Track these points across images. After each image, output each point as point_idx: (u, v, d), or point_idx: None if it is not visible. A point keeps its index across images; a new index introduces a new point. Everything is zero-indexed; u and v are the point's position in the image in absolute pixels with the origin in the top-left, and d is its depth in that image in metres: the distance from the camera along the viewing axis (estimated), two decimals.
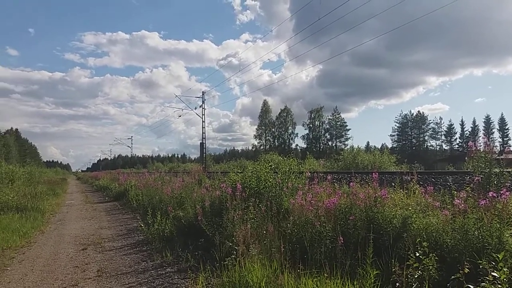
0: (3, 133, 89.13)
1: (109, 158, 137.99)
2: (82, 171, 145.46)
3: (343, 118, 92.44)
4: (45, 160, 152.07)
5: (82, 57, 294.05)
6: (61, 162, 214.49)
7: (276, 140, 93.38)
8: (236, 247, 5.29)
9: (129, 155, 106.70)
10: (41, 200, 16.06)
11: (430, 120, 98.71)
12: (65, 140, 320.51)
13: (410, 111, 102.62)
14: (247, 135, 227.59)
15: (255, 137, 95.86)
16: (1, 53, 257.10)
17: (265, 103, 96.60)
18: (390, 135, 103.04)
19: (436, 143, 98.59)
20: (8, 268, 6.69)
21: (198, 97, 45.34)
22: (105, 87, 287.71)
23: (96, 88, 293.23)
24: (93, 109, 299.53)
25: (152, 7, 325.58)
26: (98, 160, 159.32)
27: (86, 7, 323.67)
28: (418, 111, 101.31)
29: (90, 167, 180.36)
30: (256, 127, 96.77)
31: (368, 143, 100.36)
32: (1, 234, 9.02)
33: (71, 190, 31.04)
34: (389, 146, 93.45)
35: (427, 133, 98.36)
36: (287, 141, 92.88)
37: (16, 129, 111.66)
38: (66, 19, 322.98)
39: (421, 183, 8.59)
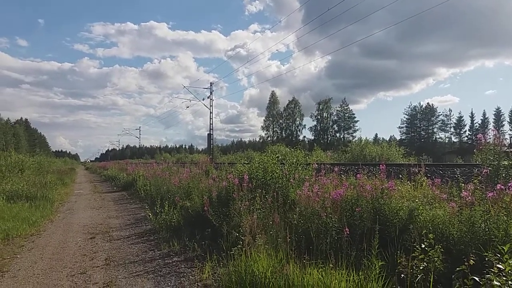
0: (13, 123, 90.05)
1: (118, 149, 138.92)
2: (90, 161, 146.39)
3: (351, 110, 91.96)
4: (54, 150, 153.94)
5: (91, 48, 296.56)
6: (69, 152, 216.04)
7: (283, 132, 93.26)
8: (242, 237, 5.32)
9: (137, 146, 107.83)
10: (50, 189, 16.24)
11: (439, 112, 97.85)
12: (74, 130, 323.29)
13: (419, 103, 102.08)
14: (254, 126, 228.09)
15: (263, 128, 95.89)
16: (11, 44, 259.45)
17: (273, 94, 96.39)
18: (399, 127, 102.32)
19: (445, 136, 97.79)
20: (18, 256, 6.80)
21: (206, 88, 45.54)
22: (114, 77, 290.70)
23: (105, 79, 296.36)
24: (101, 99, 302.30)
25: None
26: (106, 151, 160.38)
27: None
28: (428, 103, 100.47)
29: (99, 157, 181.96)
30: (263, 118, 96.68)
31: (376, 135, 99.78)
32: (11, 222, 9.14)
33: (80, 180, 31.33)
34: (398, 138, 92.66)
35: (436, 125, 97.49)
36: (294, 133, 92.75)
37: (26, 119, 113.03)
38: (75, 10, 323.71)
39: (428, 175, 8.55)
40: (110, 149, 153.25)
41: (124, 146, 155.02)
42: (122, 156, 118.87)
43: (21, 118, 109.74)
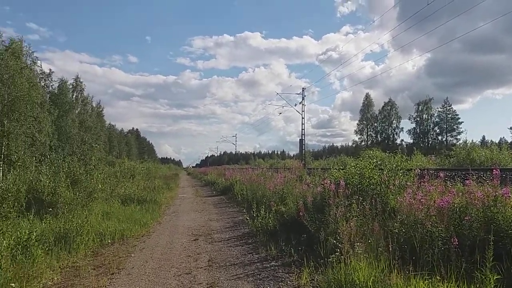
0: (125, 133, 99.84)
1: (216, 155, 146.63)
2: (192, 167, 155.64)
3: (454, 110, 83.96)
4: (160, 157, 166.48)
5: (192, 61, 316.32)
6: (173, 158, 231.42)
7: (379, 135, 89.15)
8: (340, 245, 5.24)
9: (233, 152, 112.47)
10: (157, 193, 17.61)
11: None
12: (178, 138, 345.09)
13: None
14: (346, 130, 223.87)
15: (356, 132, 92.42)
16: (124, 61, 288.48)
17: (367, 96, 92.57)
18: (510, 128, 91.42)
19: None
20: (132, 255, 7.46)
21: (298, 94, 45.44)
22: (212, 88, 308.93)
23: (205, 89, 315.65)
24: (202, 109, 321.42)
25: (253, 7, 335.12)
26: (206, 157, 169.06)
27: (194, 13, 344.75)
28: None
29: (199, 163, 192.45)
30: (357, 122, 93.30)
31: (483, 137, 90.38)
32: (126, 223, 10.02)
33: (183, 185, 33.33)
34: (509, 140, 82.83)
35: None
36: (391, 136, 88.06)
37: (137, 129, 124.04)
38: (177, 26, 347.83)
39: None
40: (209, 155, 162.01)
41: (222, 152, 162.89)
42: (219, 161, 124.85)
43: (133, 128, 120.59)
